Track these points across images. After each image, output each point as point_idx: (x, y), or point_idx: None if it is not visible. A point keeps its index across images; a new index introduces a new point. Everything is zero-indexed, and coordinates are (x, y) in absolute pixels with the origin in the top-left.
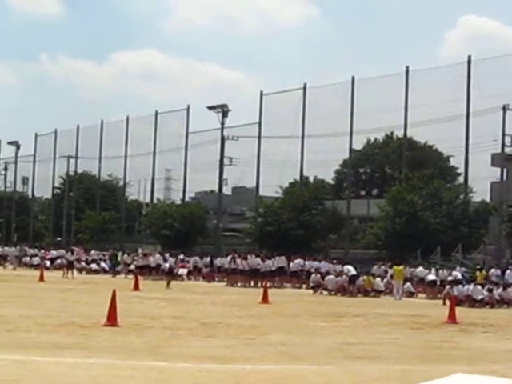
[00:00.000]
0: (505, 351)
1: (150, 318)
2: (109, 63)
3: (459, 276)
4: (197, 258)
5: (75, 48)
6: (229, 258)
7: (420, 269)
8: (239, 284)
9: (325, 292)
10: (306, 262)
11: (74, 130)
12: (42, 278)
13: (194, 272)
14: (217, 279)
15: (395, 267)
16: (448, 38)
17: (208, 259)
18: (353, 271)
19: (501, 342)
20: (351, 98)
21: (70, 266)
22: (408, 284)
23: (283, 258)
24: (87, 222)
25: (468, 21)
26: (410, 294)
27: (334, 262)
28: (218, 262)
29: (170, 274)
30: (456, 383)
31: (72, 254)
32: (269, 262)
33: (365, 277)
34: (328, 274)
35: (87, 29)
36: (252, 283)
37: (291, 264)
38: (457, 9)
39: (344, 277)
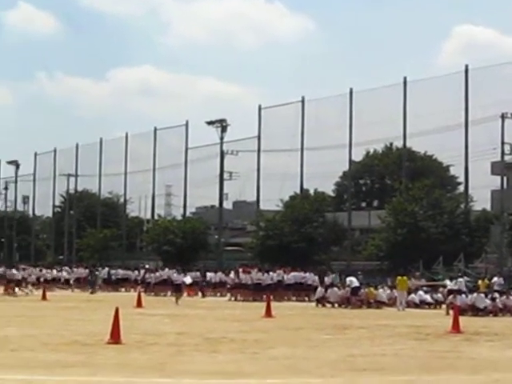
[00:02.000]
0: (510, 359)
1: (154, 334)
2: (106, 80)
3: (463, 285)
4: (197, 274)
5: (72, 66)
6: (232, 273)
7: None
8: (242, 298)
9: (328, 304)
10: (291, 274)
11: (73, 148)
12: (44, 297)
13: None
14: (217, 294)
15: (399, 277)
16: (444, 48)
17: (200, 273)
18: (355, 283)
19: (506, 350)
20: (350, 109)
21: (18, 283)
22: (412, 295)
23: (281, 271)
24: (88, 239)
25: (464, 30)
26: (415, 305)
27: (333, 275)
28: (217, 276)
29: (179, 291)
30: None
31: (17, 270)
32: (272, 275)
33: (367, 289)
34: (332, 286)
35: (84, 46)
36: (255, 297)
37: (285, 277)
38: (452, 18)
39: (347, 289)
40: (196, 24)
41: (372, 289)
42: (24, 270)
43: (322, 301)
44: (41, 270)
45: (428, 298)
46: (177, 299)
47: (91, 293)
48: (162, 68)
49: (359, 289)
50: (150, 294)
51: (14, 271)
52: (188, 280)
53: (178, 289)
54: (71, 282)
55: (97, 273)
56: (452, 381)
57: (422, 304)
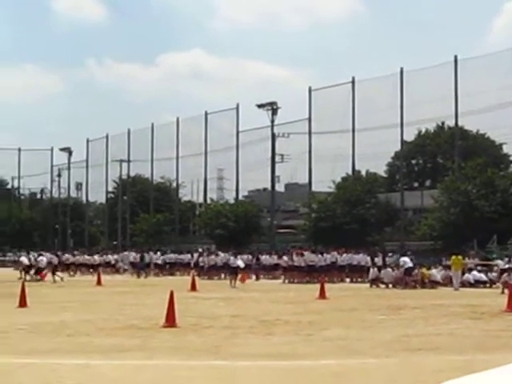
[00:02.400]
0: None
1: (209, 317)
2: (156, 65)
3: None
4: (249, 257)
5: (121, 51)
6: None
7: None
8: (296, 280)
9: (382, 285)
10: (344, 255)
11: (124, 134)
12: (99, 282)
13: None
14: (261, 276)
15: (453, 257)
16: (495, 25)
17: (254, 257)
18: (409, 263)
19: None
20: (400, 89)
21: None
22: (467, 275)
23: (334, 252)
24: (142, 224)
25: None
26: (469, 285)
27: (390, 254)
28: (271, 259)
29: (235, 274)
30: None
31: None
32: (326, 256)
33: (421, 269)
34: (385, 266)
35: (132, 32)
36: (308, 279)
37: (339, 258)
38: None
39: (400, 269)
40: (243, 7)
41: (425, 269)
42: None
43: (375, 282)
44: (74, 256)
45: (483, 276)
46: (233, 282)
47: (144, 277)
48: (211, 52)
49: (413, 269)
50: (204, 278)
51: (22, 258)
52: (242, 264)
53: (233, 272)
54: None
55: (149, 253)
56: (508, 360)
57: (477, 283)
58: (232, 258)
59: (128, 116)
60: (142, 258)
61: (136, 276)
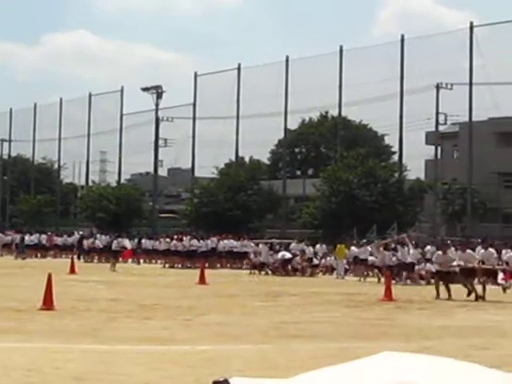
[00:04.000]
0: (439, 327)
1: (87, 300)
2: (40, 45)
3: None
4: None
5: (5, 29)
6: (162, 239)
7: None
8: (176, 265)
9: (262, 272)
10: (225, 241)
11: (6, 113)
12: None
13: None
14: (152, 260)
15: (338, 246)
16: (380, 17)
17: (136, 241)
18: (288, 255)
19: (436, 318)
20: (285, 77)
21: None
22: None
23: (215, 238)
24: (22, 205)
25: None
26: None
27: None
28: (149, 244)
29: (115, 257)
30: (382, 361)
31: None
32: (207, 242)
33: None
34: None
35: (17, 10)
36: (188, 264)
37: (220, 244)
38: None
39: (279, 259)
40: None
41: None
42: None
43: (256, 268)
44: None
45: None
46: (112, 265)
47: (23, 259)
48: (97, 33)
49: (290, 260)
50: (88, 261)
51: None
52: (129, 245)
53: (115, 256)
54: None
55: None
56: (384, 348)
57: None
58: (115, 241)
59: (11, 95)
60: (22, 239)
61: (14, 257)
